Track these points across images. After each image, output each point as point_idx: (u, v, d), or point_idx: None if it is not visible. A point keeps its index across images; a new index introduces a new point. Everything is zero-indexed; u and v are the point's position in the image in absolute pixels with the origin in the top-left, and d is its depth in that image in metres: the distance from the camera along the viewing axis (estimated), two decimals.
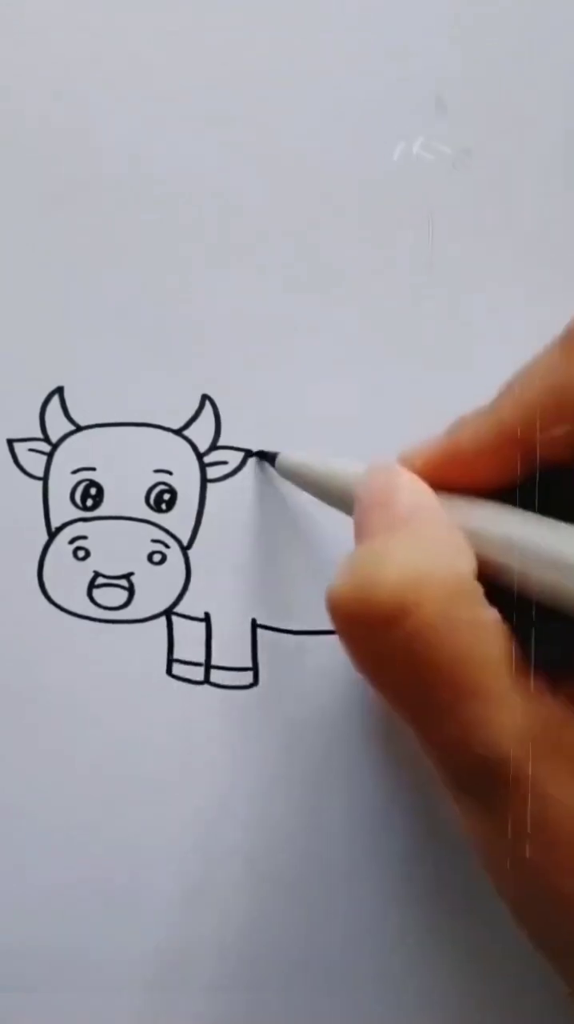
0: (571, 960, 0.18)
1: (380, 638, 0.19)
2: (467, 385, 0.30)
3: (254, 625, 0.29)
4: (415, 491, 0.21)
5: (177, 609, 0.29)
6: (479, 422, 0.22)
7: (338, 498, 0.24)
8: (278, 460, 0.28)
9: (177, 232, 0.30)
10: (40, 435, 0.29)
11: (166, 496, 0.29)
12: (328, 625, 0.29)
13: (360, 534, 0.21)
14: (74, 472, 0.29)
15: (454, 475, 0.22)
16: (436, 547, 0.19)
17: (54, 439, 0.29)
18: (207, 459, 0.29)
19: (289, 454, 0.28)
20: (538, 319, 0.28)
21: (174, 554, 0.29)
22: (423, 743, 0.20)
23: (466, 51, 0.30)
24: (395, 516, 0.21)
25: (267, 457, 0.29)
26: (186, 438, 0.29)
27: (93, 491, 0.29)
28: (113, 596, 0.29)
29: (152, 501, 0.29)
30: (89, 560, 0.29)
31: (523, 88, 0.30)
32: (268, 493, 0.29)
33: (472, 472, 0.22)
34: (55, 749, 0.28)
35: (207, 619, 0.29)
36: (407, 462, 0.22)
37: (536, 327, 0.21)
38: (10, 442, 0.29)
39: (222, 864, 0.28)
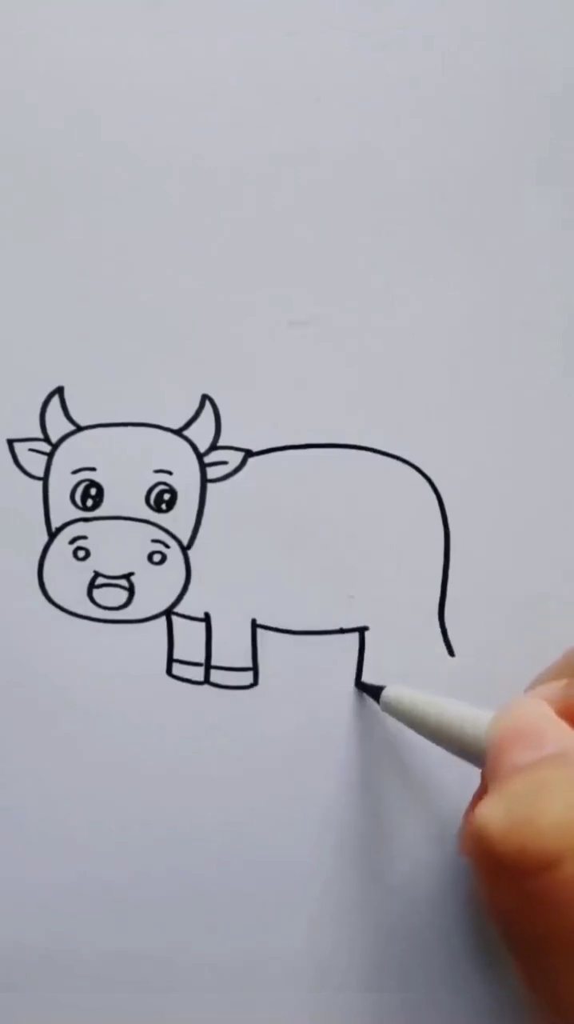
0: None
1: (532, 881, 0.17)
2: (468, 386, 0.30)
3: (254, 625, 0.29)
4: (561, 728, 0.20)
5: (177, 609, 0.29)
6: None
7: (457, 742, 0.23)
8: (383, 697, 0.27)
9: (178, 233, 0.30)
10: (40, 435, 0.29)
11: (166, 496, 0.29)
12: (328, 625, 0.29)
13: (502, 769, 0.20)
14: (74, 472, 0.29)
15: None
16: None
17: (54, 439, 0.29)
18: (207, 459, 0.29)
19: (396, 692, 0.27)
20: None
21: (174, 554, 0.29)
22: (539, 993, 0.18)
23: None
24: (544, 751, 0.19)
25: (369, 691, 0.28)
26: (186, 438, 0.29)
27: (93, 491, 0.29)
28: (113, 596, 0.29)
29: (152, 501, 0.29)
30: (89, 560, 0.29)
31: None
32: (268, 494, 0.29)
33: None
34: (55, 749, 0.28)
35: (207, 619, 0.29)
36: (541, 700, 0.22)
37: None
38: (10, 442, 0.29)
39: (222, 863, 0.28)
